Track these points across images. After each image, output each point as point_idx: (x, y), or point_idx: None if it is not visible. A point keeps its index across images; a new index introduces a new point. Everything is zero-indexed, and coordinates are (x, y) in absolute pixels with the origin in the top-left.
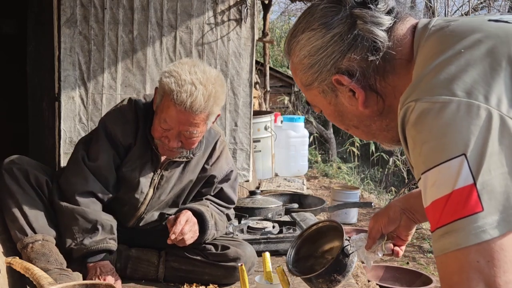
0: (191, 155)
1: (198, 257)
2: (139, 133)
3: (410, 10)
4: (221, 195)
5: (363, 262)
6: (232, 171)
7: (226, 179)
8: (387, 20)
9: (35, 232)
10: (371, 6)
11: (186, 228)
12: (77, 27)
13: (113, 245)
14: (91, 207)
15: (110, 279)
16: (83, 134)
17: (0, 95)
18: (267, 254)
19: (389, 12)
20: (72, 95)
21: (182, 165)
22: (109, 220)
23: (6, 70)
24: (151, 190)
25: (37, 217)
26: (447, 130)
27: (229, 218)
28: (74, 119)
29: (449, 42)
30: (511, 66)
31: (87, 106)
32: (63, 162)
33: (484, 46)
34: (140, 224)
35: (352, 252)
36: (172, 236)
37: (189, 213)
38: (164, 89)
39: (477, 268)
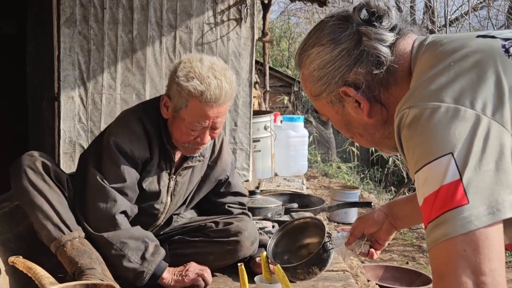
0: (202, 158)
1: (198, 238)
2: (152, 145)
3: (411, 26)
4: (239, 192)
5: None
6: (234, 160)
7: (234, 174)
8: (390, 37)
9: (70, 230)
10: (376, 23)
11: None
12: (76, 27)
13: (163, 250)
14: (129, 225)
15: (208, 273)
16: (82, 134)
17: (0, 95)
18: (264, 254)
19: (392, 29)
20: (71, 95)
21: (191, 168)
22: (148, 232)
23: (6, 70)
24: (169, 198)
25: (68, 215)
26: (436, 132)
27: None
28: (74, 119)
29: (440, 57)
30: (496, 76)
31: (86, 106)
32: (63, 162)
33: (471, 59)
34: (153, 231)
35: (332, 248)
36: None
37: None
38: (190, 93)
39: (464, 257)
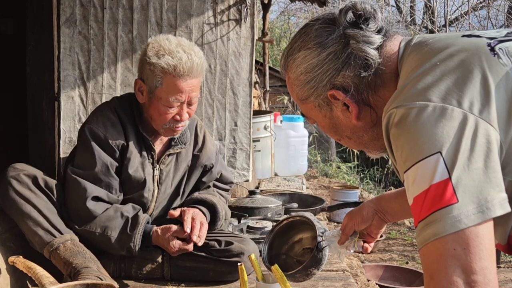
0: (183, 145)
1: (202, 253)
2: (128, 133)
3: (397, 28)
4: (222, 179)
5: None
6: (218, 150)
7: (219, 162)
8: (377, 39)
9: (61, 233)
10: (363, 26)
11: (197, 227)
12: (76, 26)
13: (145, 215)
14: (104, 208)
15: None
16: None
17: (0, 95)
18: (253, 255)
19: (379, 31)
20: (71, 94)
21: (175, 157)
22: (126, 205)
23: (6, 70)
24: (156, 186)
25: (57, 219)
26: (424, 131)
27: (227, 202)
28: (74, 119)
29: (426, 57)
30: (482, 74)
31: (86, 106)
32: (63, 162)
33: (456, 58)
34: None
35: (325, 247)
36: (194, 238)
37: (193, 210)
38: (163, 69)
39: (454, 256)
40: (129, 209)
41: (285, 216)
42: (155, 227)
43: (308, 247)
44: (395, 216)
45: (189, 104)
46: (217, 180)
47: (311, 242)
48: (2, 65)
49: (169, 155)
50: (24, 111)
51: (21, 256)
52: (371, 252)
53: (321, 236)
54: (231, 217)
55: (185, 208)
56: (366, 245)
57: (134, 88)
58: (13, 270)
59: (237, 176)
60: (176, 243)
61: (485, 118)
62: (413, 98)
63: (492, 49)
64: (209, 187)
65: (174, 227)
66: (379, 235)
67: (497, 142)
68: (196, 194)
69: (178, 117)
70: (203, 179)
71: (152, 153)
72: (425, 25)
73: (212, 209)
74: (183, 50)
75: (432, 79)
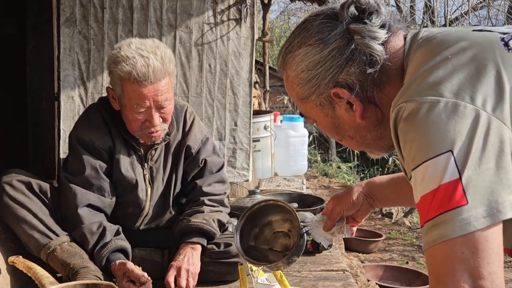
0: (168, 137)
1: (201, 255)
2: (113, 134)
3: (400, 23)
4: (207, 166)
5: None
6: (207, 138)
7: (204, 150)
8: (382, 34)
9: (57, 235)
10: (366, 21)
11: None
12: (76, 26)
13: (118, 243)
14: (94, 218)
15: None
16: None
17: (0, 94)
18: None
19: (382, 26)
20: (71, 94)
21: (163, 150)
22: (113, 226)
23: (6, 70)
24: (148, 185)
25: (52, 222)
26: (435, 128)
27: (224, 204)
28: (74, 119)
29: (437, 50)
30: (496, 70)
31: (86, 106)
32: (63, 162)
33: (469, 52)
34: (145, 222)
35: (308, 233)
36: None
37: (177, 264)
38: (120, 76)
39: (462, 259)
40: (111, 232)
41: (258, 201)
42: (119, 261)
43: (280, 231)
44: (384, 203)
45: (159, 108)
46: (203, 169)
47: (282, 225)
48: (2, 65)
49: (155, 149)
50: (24, 111)
51: (21, 256)
52: (371, 252)
53: (304, 222)
54: (231, 217)
55: (172, 263)
56: (354, 229)
57: (108, 96)
58: (13, 270)
59: (237, 176)
60: (126, 284)
61: (498, 116)
62: (424, 92)
63: (506, 44)
64: (195, 185)
65: (129, 266)
66: (363, 220)
67: (510, 141)
68: (183, 223)
69: (148, 123)
70: (185, 167)
71: (139, 153)
72: (425, 25)
73: (204, 234)
74: (140, 54)
75: (444, 73)
